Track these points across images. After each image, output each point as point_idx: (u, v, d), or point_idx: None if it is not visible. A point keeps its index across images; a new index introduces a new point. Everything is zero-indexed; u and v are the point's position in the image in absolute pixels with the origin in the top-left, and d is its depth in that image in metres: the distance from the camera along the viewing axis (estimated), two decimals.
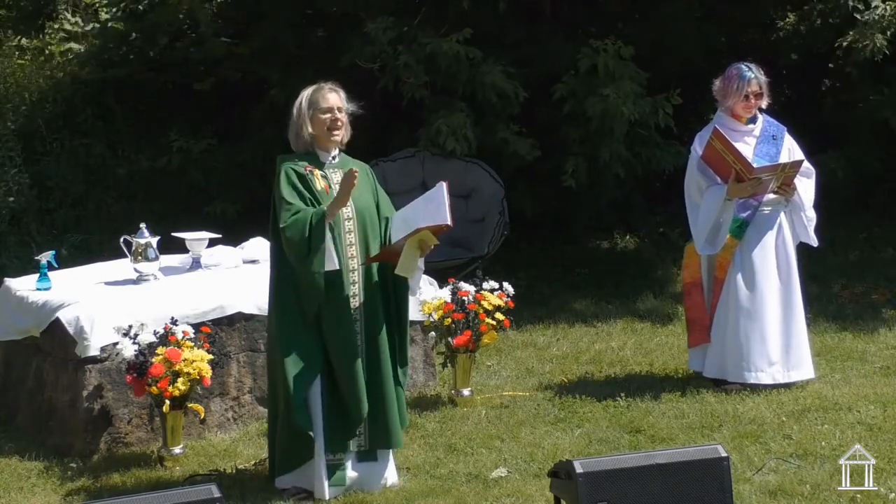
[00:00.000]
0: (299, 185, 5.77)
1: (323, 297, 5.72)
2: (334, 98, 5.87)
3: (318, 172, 5.83)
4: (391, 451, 6.04)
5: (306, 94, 5.89)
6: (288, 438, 5.84)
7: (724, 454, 5.09)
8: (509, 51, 10.15)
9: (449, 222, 5.87)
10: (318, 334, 5.79)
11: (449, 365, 7.29)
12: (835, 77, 11.50)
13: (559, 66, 9.97)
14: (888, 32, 9.40)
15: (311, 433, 5.78)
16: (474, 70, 9.57)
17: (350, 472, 5.92)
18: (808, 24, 10.61)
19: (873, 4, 9.53)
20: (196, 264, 7.39)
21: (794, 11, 10.81)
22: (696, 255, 7.43)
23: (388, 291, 5.97)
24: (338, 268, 5.74)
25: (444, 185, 5.93)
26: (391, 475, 6.03)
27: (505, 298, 7.29)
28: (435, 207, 5.87)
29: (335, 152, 5.93)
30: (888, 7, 9.44)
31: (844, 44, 9.55)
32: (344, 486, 5.89)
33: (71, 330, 6.45)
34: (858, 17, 9.56)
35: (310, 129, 5.85)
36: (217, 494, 4.61)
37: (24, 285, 7.09)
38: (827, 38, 10.20)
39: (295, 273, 5.74)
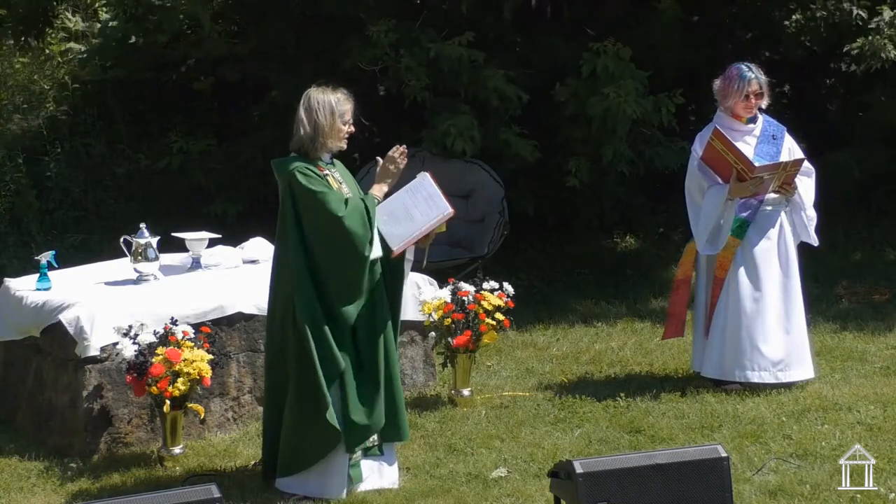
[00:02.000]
0: (323, 182, 5.82)
1: (364, 287, 5.81)
2: (351, 108, 5.92)
3: (329, 175, 5.87)
4: (395, 445, 6.07)
5: (330, 101, 5.84)
6: (298, 440, 5.84)
7: (724, 454, 5.09)
8: (511, 53, 10.15)
9: (451, 209, 5.96)
10: (343, 332, 5.83)
11: (449, 365, 7.29)
12: (837, 77, 11.49)
13: (561, 68, 9.98)
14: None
15: (338, 430, 5.80)
16: (477, 73, 9.58)
17: (363, 469, 5.94)
18: (811, 25, 10.60)
19: (884, 13, 9.51)
20: (196, 264, 7.39)
21: (797, 11, 10.79)
22: (693, 253, 7.44)
23: (386, 281, 6.01)
24: (381, 255, 5.86)
25: (427, 175, 6.02)
26: (395, 470, 6.04)
27: (505, 298, 7.29)
28: (429, 198, 5.93)
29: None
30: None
31: (854, 51, 9.54)
32: (359, 482, 5.91)
33: (71, 330, 6.45)
34: (861, 24, 9.55)
35: (338, 142, 5.89)
36: (217, 494, 4.61)
37: (24, 285, 7.08)
38: (829, 40, 10.20)
39: (333, 267, 5.75)
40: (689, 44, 10.42)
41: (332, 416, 5.78)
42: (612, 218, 11.18)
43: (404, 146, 5.99)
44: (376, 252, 5.85)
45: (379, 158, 6.07)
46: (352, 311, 5.81)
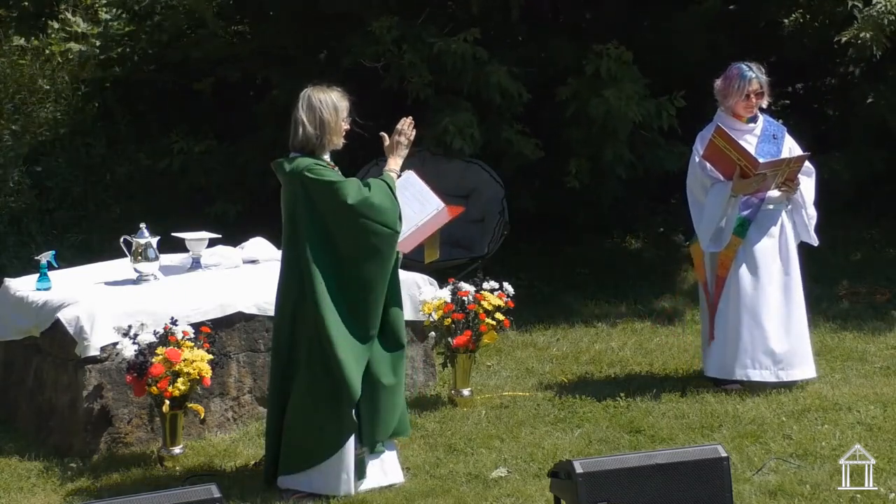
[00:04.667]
0: (336, 172, 5.86)
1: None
2: (348, 105, 5.95)
3: (336, 169, 5.90)
4: (395, 441, 6.07)
5: (332, 98, 5.84)
6: (308, 437, 5.84)
7: (724, 454, 5.08)
8: (513, 51, 10.14)
9: (443, 204, 6.05)
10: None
11: (449, 365, 7.29)
12: (836, 76, 11.49)
13: (563, 67, 9.97)
14: (887, 30, 9.40)
15: (354, 422, 5.82)
16: (479, 69, 9.58)
17: (369, 465, 5.95)
18: (809, 22, 10.59)
19: (874, 1, 9.52)
20: (196, 264, 7.39)
21: (797, 10, 10.79)
22: (700, 254, 7.43)
23: None
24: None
25: (412, 173, 6.09)
26: (398, 466, 6.06)
27: (505, 298, 7.29)
28: (419, 195, 6.00)
29: None
30: (889, 3, 9.43)
31: (843, 39, 9.55)
32: (363, 479, 5.92)
33: (71, 330, 6.44)
34: (858, 14, 9.56)
35: (340, 139, 5.91)
36: (217, 494, 4.61)
37: (24, 285, 7.08)
38: (827, 37, 10.20)
39: (361, 254, 5.75)
40: (704, 37, 10.40)
41: (352, 408, 5.78)
42: (612, 218, 11.18)
43: (411, 118, 6.02)
44: (403, 227, 5.88)
45: (383, 134, 6.06)
46: (382, 297, 5.81)
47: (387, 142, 6.03)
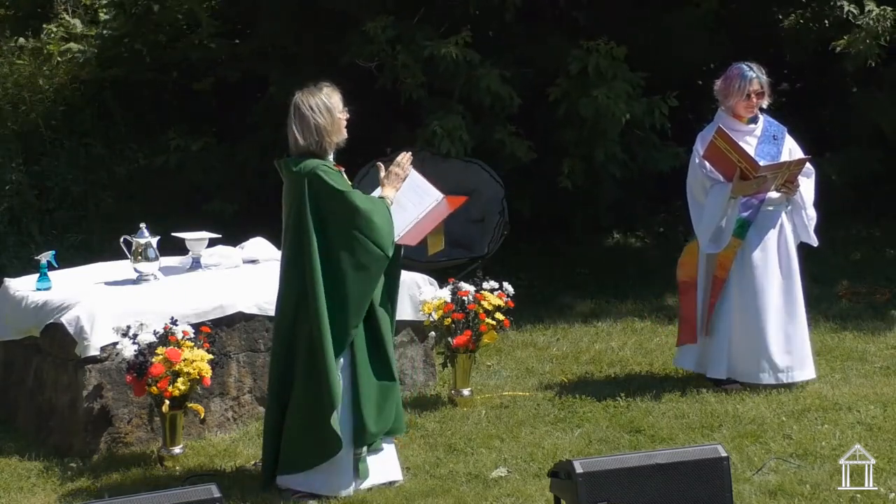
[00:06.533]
0: (345, 180, 5.88)
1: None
2: (339, 96, 5.93)
3: (342, 171, 5.90)
4: (394, 440, 6.07)
5: (321, 100, 5.80)
6: (302, 440, 5.83)
7: (724, 454, 5.08)
8: (508, 51, 10.15)
9: (441, 195, 6.08)
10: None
11: (449, 365, 7.29)
12: (833, 78, 11.50)
13: (557, 67, 9.97)
14: (882, 38, 9.40)
15: (339, 437, 5.80)
16: (471, 72, 9.58)
17: (369, 463, 5.95)
18: (804, 25, 10.60)
19: (867, 9, 9.52)
20: (196, 264, 7.39)
21: (793, 12, 10.80)
22: (694, 254, 7.42)
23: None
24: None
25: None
26: (397, 464, 6.06)
27: (505, 298, 7.29)
28: (416, 188, 6.05)
29: None
30: (885, 10, 9.43)
31: (838, 49, 9.55)
32: (366, 478, 5.91)
33: (71, 330, 6.44)
34: (852, 20, 9.56)
35: (341, 135, 5.88)
36: (217, 494, 4.61)
37: (24, 285, 7.08)
38: (822, 39, 10.21)
39: (355, 267, 5.76)
40: (701, 37, 10.39)
41: (335, 420, 5.77)
42: (610, 218, 11.18)
43: (410, 154, 6.11)
44: (402, 221, 5.96)
45: (380, 164, 6.09)
46: (362, 313, 5.82)
47: (383, 172, 6.07)
